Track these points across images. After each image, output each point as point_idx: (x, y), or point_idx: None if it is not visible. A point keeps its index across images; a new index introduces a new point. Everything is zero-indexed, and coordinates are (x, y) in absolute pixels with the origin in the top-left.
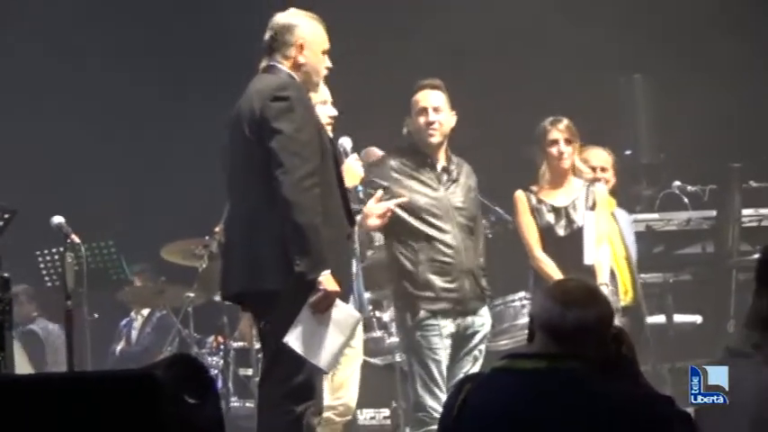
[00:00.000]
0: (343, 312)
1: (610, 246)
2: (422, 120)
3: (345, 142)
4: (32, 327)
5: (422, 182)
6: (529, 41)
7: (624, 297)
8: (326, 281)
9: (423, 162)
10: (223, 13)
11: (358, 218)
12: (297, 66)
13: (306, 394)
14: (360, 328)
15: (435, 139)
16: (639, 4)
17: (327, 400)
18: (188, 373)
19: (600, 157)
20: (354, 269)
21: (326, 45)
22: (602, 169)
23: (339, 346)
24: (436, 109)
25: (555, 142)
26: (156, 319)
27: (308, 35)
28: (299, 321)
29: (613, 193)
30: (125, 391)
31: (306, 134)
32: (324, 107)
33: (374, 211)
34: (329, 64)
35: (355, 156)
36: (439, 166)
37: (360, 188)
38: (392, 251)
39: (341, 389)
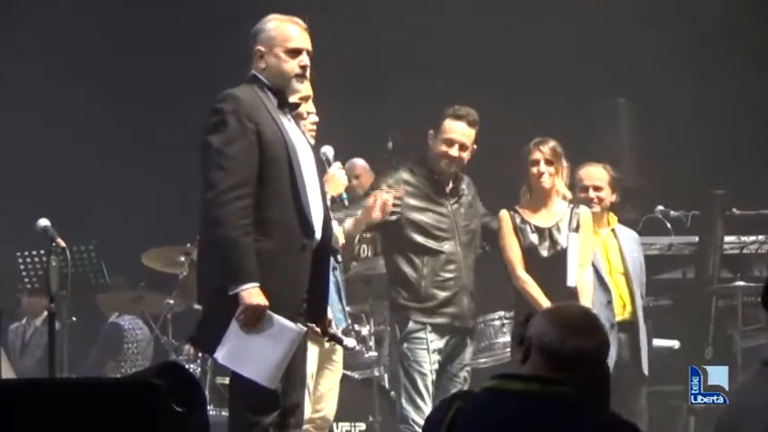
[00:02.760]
0: (278, 326)
1: (607, 261)
2: (443, 148)
3: (328, 151)
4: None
5: (431, 198)
6: (517, 63)
7: (622, 311)
8: (248, 295)
9: (433, 178)
10: (215, 18)
11: (348, 222)
12: (261, 71)
13: (271, 406)
14: None
15: (449, 170)
16: (625, 29)
17: (307, 413)
18: (177, 382)
19: (592, 175)
20: (334, 279)
21: (292, 44)
22: (596, 188)
23: (277, 360)
24: (462, 146)
25: (536, 162)
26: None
27: (266, 39)
28: (227, 337)
29: (613, 209)
30: (125, 398)
31: (236, 147)
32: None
33: (374, 205)
34: (305, 62)
35: (338, 164)
36: (449, 185)
37: (344, 196)
38: (394, 263)
39: (321, 401)
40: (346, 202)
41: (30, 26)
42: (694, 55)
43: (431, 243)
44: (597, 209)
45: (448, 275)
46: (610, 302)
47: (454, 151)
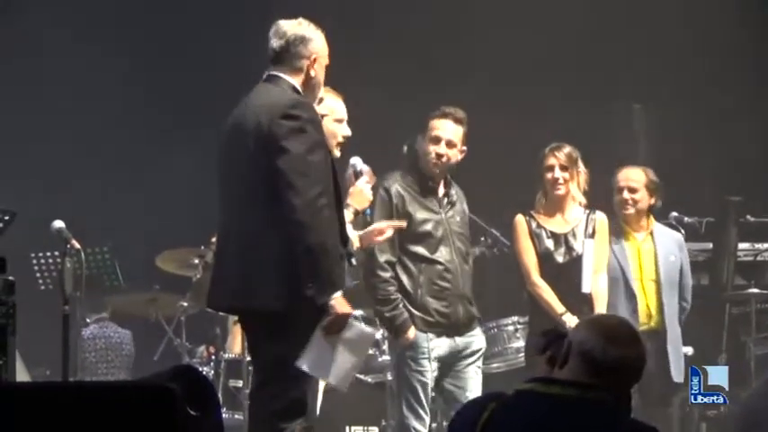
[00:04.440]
0: (356, 332)
1: (639, 267)
2: (431, 147)
3: (357, 162)
4: None
5: (425, 206)
6: (533, 66)
7: (647, 320)
8: (338, 303)
9: (426, 185)
10: (221, 18)
11: (355, 235)
12: (306, 79)
13: (297, 412)
14: None
15: (436, 170)
16: (642, 35)
17: None
18: (191, 385)
19: (628, 176)
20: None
21: (327, 56)
22: (630, 189)
23: (351, 365)
24: (449, 143)
25: (551, 168)
26: None
27: (320, 49)
28: (312, 345)
29: (650, 212)
30: (139, 402)
31: (316, 155)
32: (340, 126)
33: (378, 229)
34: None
35: (366, 178)
36: (440, 191)
37: (368, 212)
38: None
39: None
40: (369, 218)
41: (33, 25)
42: (709, 61)
43: (426, 251)
44: (631, 211)
45: (444, 284)
46: (635, 311)
47: (441, 148)
